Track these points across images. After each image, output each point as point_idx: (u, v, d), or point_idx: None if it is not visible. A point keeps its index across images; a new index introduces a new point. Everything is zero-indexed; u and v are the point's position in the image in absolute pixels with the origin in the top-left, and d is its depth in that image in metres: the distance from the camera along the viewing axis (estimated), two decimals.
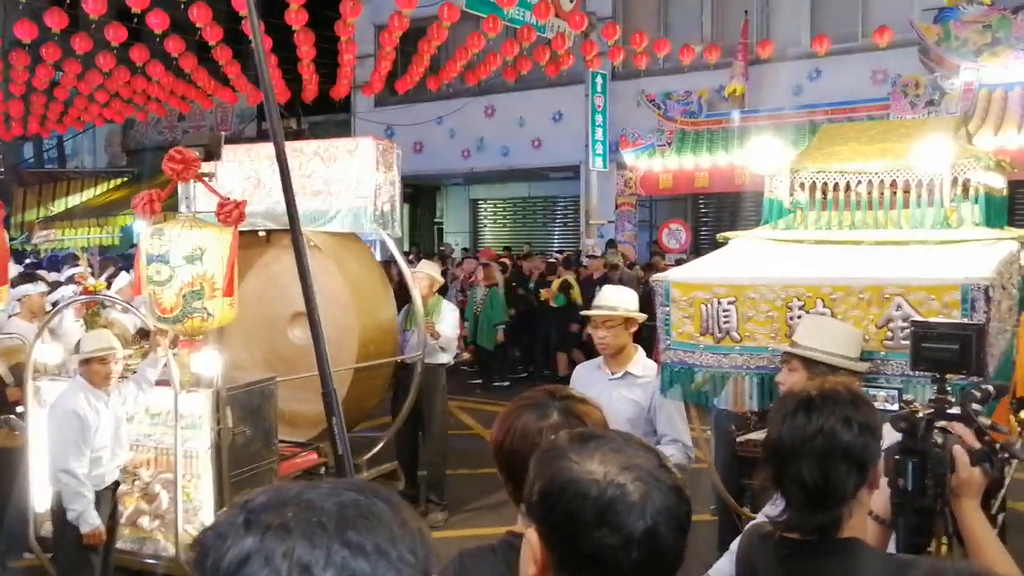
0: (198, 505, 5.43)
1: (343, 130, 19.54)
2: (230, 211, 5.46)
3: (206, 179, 5.68)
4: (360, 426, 7.64)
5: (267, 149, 6.42)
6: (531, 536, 1.27)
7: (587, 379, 4.42)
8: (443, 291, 13.53)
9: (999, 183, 4.37)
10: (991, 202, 4.11)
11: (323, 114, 19.64)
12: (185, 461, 5.37)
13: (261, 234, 7.19)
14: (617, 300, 4.37)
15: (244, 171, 7.17)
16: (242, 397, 5.57)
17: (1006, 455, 2.24)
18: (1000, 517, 4.13)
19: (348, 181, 6.95)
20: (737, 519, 4.60)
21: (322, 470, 6.35)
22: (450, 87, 16.80)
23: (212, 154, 5.70)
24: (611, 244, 15.80)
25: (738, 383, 3.60)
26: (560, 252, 17.93)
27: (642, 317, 4.36)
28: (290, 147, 7.37)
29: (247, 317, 6.82)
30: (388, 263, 10.58)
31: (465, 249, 20.23)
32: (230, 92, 16.67)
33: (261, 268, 7.41)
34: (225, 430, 5.36)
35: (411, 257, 15.19)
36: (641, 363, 4.36)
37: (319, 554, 0.86)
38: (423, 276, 7.38)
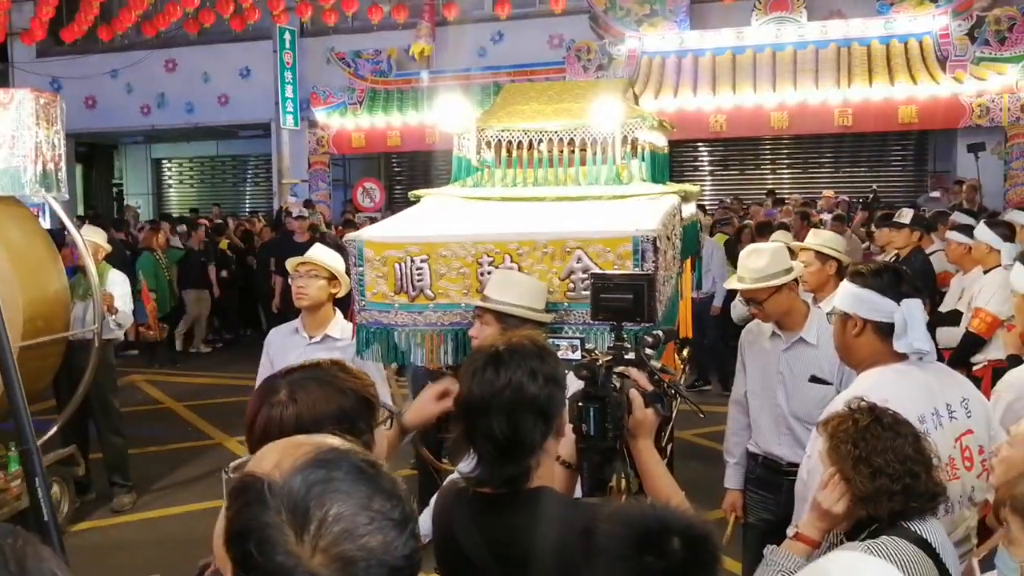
0: None
1: (1, 81, 17.64)
2: None
3: None
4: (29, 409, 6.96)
5: None
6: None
7: (283, 344, 4.31)
8: (130, 255, 12.63)
9: (661, 142, 4.74)
10: (655, 159, 4.44)
11: None
12: None
13: None
14: (323, 257, 4.34)
15: None
16: None
17: (673, 391, 2.43)
18: (669, 447, 4.54)
19: (3, 138, 6.22)
20: (436, 474, 4.70)
21: None
22: (125, 38, 15.64)
23: None
24: (308, 204, 15.47)
25: (433, 340, 3.64)
26: (253, 213, 17.34)
27: (346, 280, 4.29)
28: None
29: None
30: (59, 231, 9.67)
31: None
32: None
33: None
34: None
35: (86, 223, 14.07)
36: (340, 325, 4.32)
37: None
38: (89, 243, 6.77)
